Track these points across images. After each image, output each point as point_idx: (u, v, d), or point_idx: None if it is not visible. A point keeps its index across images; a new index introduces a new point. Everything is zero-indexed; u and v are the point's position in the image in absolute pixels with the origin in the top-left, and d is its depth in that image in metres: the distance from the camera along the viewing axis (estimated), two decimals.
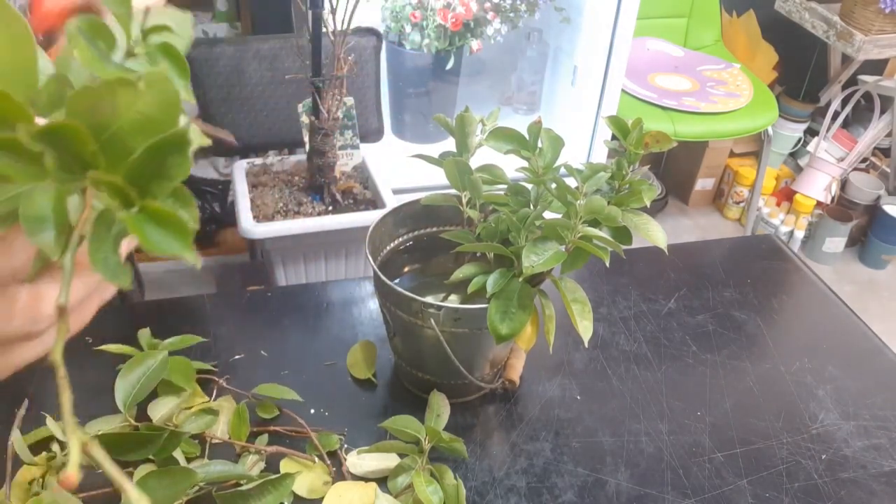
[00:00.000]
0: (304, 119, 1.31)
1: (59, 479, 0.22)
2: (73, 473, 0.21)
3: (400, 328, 0.62)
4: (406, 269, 0.69)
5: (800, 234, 2.45)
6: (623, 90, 1.85)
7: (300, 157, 1.54)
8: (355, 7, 1.13)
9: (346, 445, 0.61)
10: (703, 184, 2.62)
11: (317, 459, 0.59)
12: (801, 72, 2.54)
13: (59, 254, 0.24)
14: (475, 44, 1.58)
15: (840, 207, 2.44)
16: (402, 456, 0.58)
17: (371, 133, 1.62)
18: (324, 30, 1.17)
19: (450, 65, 1.63)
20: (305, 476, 0.57)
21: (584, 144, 1.80)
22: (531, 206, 0.59)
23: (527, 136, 0.58)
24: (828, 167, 2.43)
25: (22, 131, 0.22)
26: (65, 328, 0.24)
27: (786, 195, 2.52)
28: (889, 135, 2.45)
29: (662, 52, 2.20)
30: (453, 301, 0.63)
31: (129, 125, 0.24)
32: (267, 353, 0.70)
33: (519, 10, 1.60)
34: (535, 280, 0.56)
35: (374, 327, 0.73)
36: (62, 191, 0.23)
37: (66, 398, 0.23)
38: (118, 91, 0.23)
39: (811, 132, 2.59)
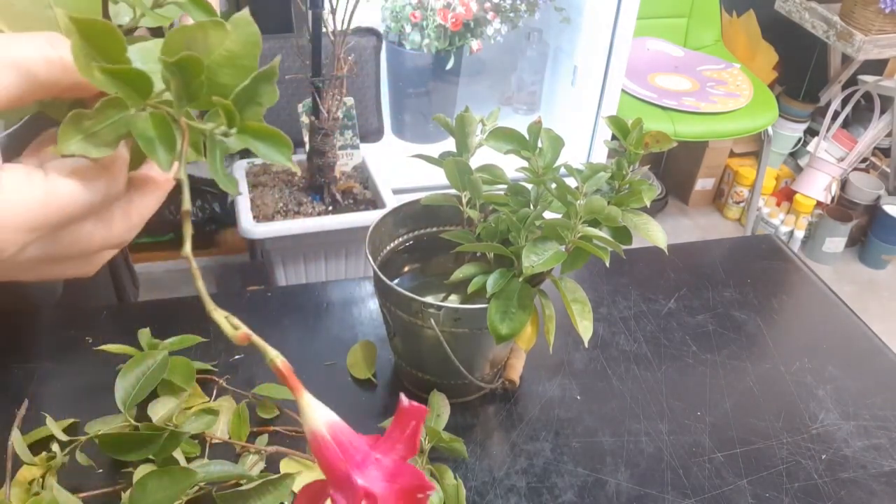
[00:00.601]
0: (304, 119, 1.31)
1: (235, 338, 0.28)
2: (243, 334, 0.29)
3: (400, 328, 0.62)
4: (406, 269, 0.69)
5: (800, 234, 2.45)
6: (623, 90, 1.85)
7: (300, 157, 1.54)
8: (355, 7, 1.13)
9: None
10: (703, 184, 2.62)
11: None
12: (801, 72, 2.55)
13: (169, 167, 0.28)
14: (475, 44, 1.58)
15: (840, 207, 2.44)
16: None
17: (371, 133, 1.62)
18: (324, 30, 1.17)
19: (450, 65, 1.63)
20: (305, 476, 0.57)
21: (584, 144, 1.80)
22: (531, 206, 0.59)
23: (527, 136, 0.58)
24: (828, 167, 2.43)
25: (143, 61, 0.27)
26: (189, 228, 0.30)
27: (786, 195, 2.52)
28: (889, 135, 2.45)
29: (662, 52, 2.20)
30: (453, 301, 0.63)
31: (219, 60, 0.28)
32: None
33: (519, 10, 1.60)
34: (535, 280, 0.56)
35: (374, 327, 0.74)
36: (167, 116, 0.28)
37: (200, 285, 0.30)
38: (210, 31, 0.28)
39: (811, 132, 2.59)
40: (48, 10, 0.28)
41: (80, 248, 0.31)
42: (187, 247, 0.29)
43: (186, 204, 0.29)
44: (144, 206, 0.33)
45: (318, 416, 0.30)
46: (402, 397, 0.30)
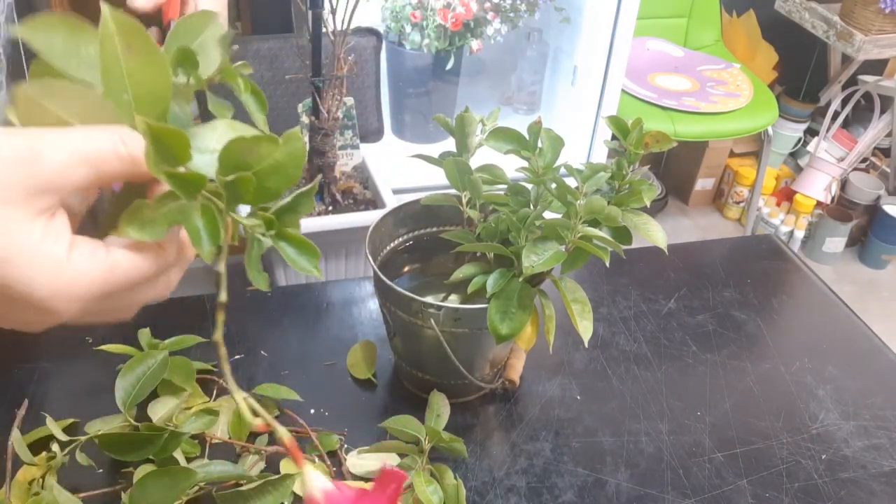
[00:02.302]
0: (304, 119, 1.31)
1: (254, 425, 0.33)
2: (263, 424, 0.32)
3: (400, 328, 0.62)
4: (406, 269, 0.69)
5: (800, 234, 2.45)
6: (623, 90, 1.85)
7: None
8: (355, 7, 1.13)
9: (346, 445, 0.61)
10: (703, 184, 2.62)
11: (317, 459, 0.59)
12: (801, 72, 2.54)
13: (211, 260, 0.33)
14: (475, 44, 1.58)
15: (840, 207, 2.44)
16: (402, 456, 0.58)
17: (371, 133, 1.62)
18: (324, 30, 1.17)
19: (450, 65, 1.63)
20: None
21: (584, 144, 1.80)
22: (531, 206, 0.59)
23: (527, 136, 0.58)
24: (828, 167, 2.43)
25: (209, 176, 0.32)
26: (222, 317, 0.33)
27: (786, 195, 2.52)
28: (889, 135, 2.45)
29: (662, 52, 2.20)
30: (453, 301, 0.63)
31: (267, 168, 0.33)
32: (267, 353, 0.70)
33: (519, 10, 1.60)
34: (535, 280, 0.56)
35: (374, 327, 0.73)
36: (215, 210, 0.32)
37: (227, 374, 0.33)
38: (263, 144, 0.32)
39: (811, 132, 2.59)
40: (125, 95, 0.32)
41: (128, 306, 0.35)
42: (218, 334, 0.33)
43: (223, 297, 0.33)
44: (182, 269, 0.37)
45: (316, 484, 0.34)
46: (385, 463, 0.34)
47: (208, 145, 0.33)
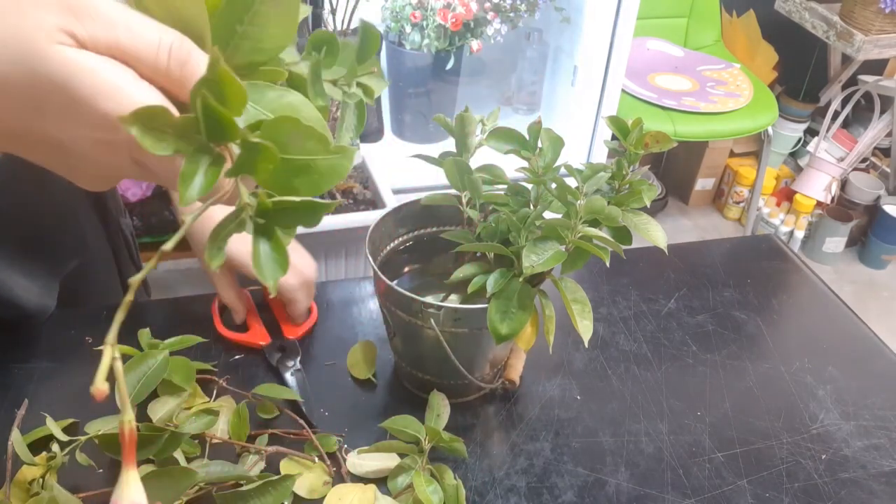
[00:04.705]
0: None
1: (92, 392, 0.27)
2: (100, 387, 0.26)
3: (400, 328, 0.62)
4: (406, 269, 0.69)
5: (800, 234, 2.45)
6: (623, 90, 1.85)
7: None
8: (355, 7, 1.13)
9: (345, 445, 0.61)
10: (703, 184, 2.62)
11: (316, 459, 0.59)
12: (801, 72, 2.54)
13: (186, 203, 0.29)
14: (475, 44, 1.58)
15: (840, 207, 2.44)
16: (402, 456, 0.58)
17: (371, 133, 1.62)
18: (324, 29, 1.17)
19: (450, 65, 1.63)
20: (305, 476, 0.58)
21: (584, 144, 1.80)
22: (531, 206, 0.59)
23: (527, 136, 0.58)
24: (828, 167, 2.43)
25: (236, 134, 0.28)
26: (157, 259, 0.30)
27: (786, 195, 2.52)
28: (889, 135, 2.45)
29: (662, 52, 2.20)
30: (453, 301, 0.63)
31: (300, 164, 0.30)
32: (266, 353, 0.70)
33: (519, 10, 1.60)
34: (535, 280, 0.56)
35: (374, 327, 0.73)
36: (219, 169, 0.29)
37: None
38: (313, 139, 0.29)
39: (811, 132, 2.59)
40: (238, 27, 0.30)
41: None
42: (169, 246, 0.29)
43: (168, 245, 0.29)
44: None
45: (134, 496, 0.29)
46: None
47: (256, 99, 0.31)
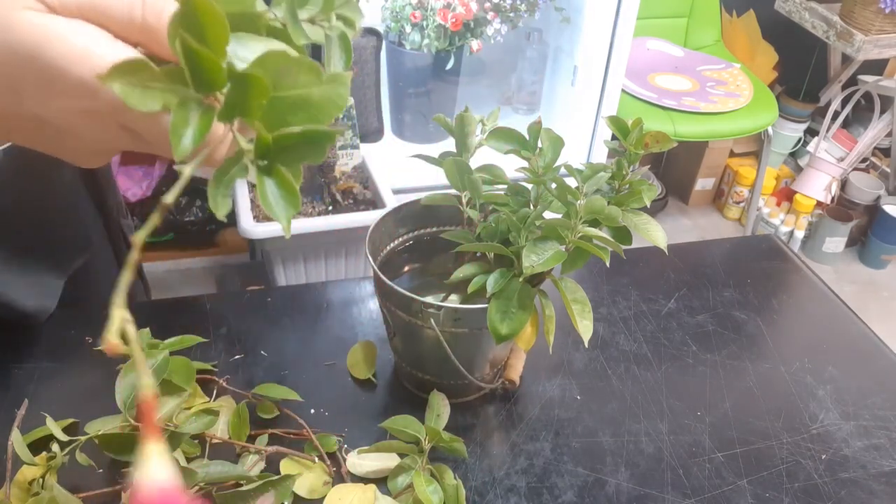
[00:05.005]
0: None
1: (104, 347, 0.24)
2: (112, 342, 0.24)
3: (400, 328, 0.62)
4: (406, 269, 0.69)
5: (800, 234, 2.45)
6: (623, 90, 1.85)
7: None
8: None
9: (345, 445, 0.61)
10: (703, 184, 2.62)
11: (316, 459, 0.59)
12: (801, 72, 2.54)
13: (180, 157, 0.27)
14: (475, 44, 1.58)
15: (840, 207, 2.44)
16: (402, 456, 0.58)
17: (371, 133, 1.62)
18: None
19: (450, 65, 1.63)
20: (306, 476, 0.58)
21: (584, 144, 1.80)
22: (531, 206, 0.59)
23: (527, 136, 0.58)
24: (828, 167, 2.43)
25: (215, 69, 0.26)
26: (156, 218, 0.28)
27: (786, 195, 2.52)
28: (889, 135, 2.45)
29: (662, 52, 2.20)
30: (453, 301, 0.63)
31: (295, 99, 0.28)
32: (267, 353, 0.70)
33: (519, 10, 1.60)
34: (535, 280, 0.56)
35: (374, 327, 0.73)
36: (210, 116, 0.28)
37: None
38: (304, 69, 0.27)
39: (811, 132, 2.59)
40: None
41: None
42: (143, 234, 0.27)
43: (169, 198, 0.27)
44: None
45: (159, 471, 0.26)
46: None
47: (243, 54, 0.29)
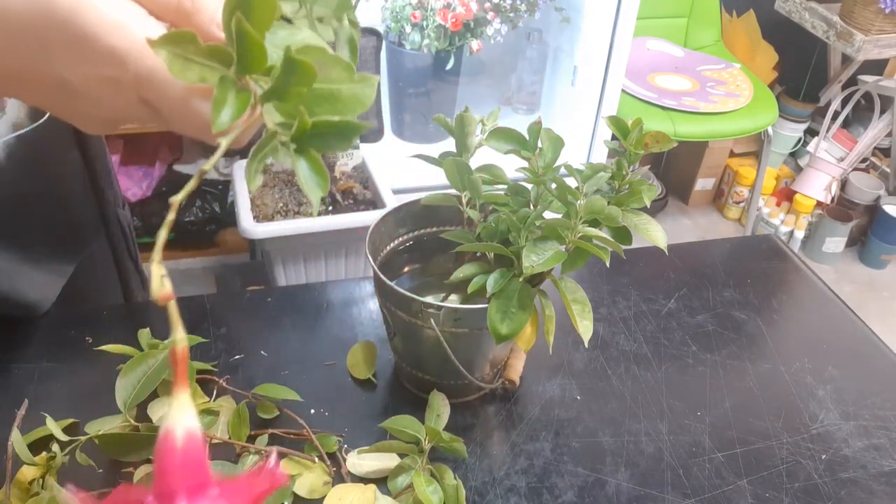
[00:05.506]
0: None
1: (157, 298, 0.27)
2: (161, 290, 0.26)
3: (400, 328, 0.62)
4: (406, 269, 0.69)
5: (800, 234, 2.45)
6: (623, 90, 1.85)
7: None
8: (355, 7, 1.13)
9: (345, 445, 0.61)
10: (703, 184, 2.62)
11: (316, 460, 0.59)
12: (801, 72, 2.55)
13: (218, 128, 0.29)
14: (475, 44, 1.58)
15: (840, 207, 2.44)
16: (402, 456, 0.58)
17: (371, 133, 1.62)
18: None
19: (450, 65, 1.63)
20: (306, 476, 0.58)
21: (584, 144, 1.80)
22: (531, 206, 0.59)
23: (527, 136, 0.58)
24: (828, 167, 2.43)
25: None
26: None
27: (786, 195, 2.52)
28: (889, 135, 2.45)
29: (662, 52, 2.20)
30: (453, 301, 0.63)
31: (325, 93, 0.30)
32: (267, 353, 0.70)
33: (519, 10, 1.60)
34: (535, 280, 0.56)
35: (374, 327, 0.74)
36: (248, 95, 0.30)
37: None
38: (338, 67, 0.30)
39: (811, 132, 2.59)
40: None
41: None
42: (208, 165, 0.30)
43: (207, 166, 0.30)
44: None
45: (186, 419, 0.28)
46: (272, 457, 0.29)
47: (282, 40, 0.31)
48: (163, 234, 0.28)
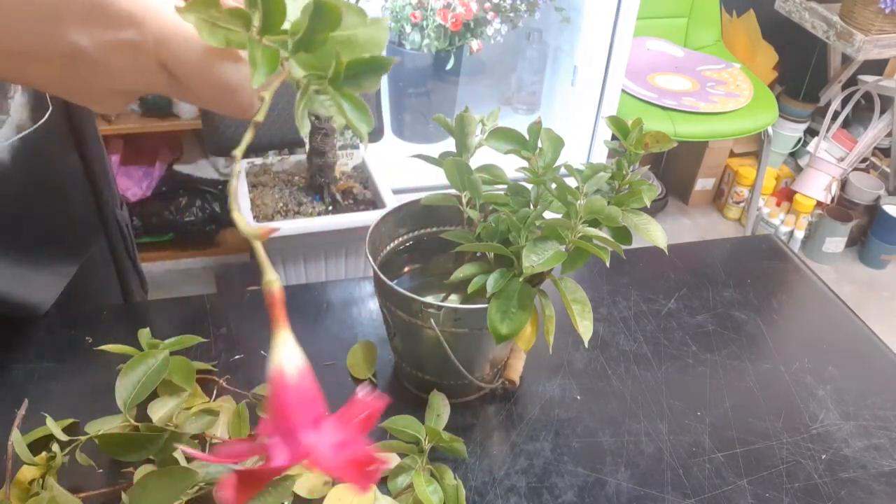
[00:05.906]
0: None
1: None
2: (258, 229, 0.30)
3: (400, 328, 0.62)
4: (406, 269, 0.69)
5: (800, 234, 2.45)
6: (623, 90, 1.85)
7: (300, 157, 1.54)
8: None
9: None
10: (703, 184, 2.62)
11: None
12: (801, 72, 2.54)
13: (259, 84, 0.32)
14: (475, 44, 1.58)
15: (840, 207, 2.44)
16: (402, 456, 0.58)
17: (371, 133, 1.62)
18: None
19: (450, 65, 1.63)
20: (306, 476, 0.57)
21: (584, 144, 1.80)
22: (531, 206, 0.59)
23: (527, 136, 0.58)
24: (828, 167, 2.43)
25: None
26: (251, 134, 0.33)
27: (786, 195, 2.52)
28: (889, 135, 2.45)
29: (662, 52, 2.20)
30: (453, 301, 0.63)
31: (343, 39, 0.33)
32: (267, 353, 0.70)
33: (519, 10, 1.60)
34: (535, 280, 0.56)
35: (374, 327, 0.73)
36: (276, 52, 0.33)
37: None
38: (351, 13, 0.33)
39: (811, 132, 2.59)
40: None
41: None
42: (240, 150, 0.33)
43: (260, 116, 0.34)
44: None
45: (293, 356, 0.28)
46: (360, 391, 0.30)
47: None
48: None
